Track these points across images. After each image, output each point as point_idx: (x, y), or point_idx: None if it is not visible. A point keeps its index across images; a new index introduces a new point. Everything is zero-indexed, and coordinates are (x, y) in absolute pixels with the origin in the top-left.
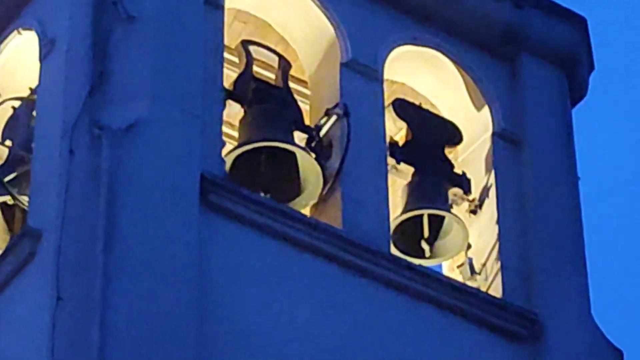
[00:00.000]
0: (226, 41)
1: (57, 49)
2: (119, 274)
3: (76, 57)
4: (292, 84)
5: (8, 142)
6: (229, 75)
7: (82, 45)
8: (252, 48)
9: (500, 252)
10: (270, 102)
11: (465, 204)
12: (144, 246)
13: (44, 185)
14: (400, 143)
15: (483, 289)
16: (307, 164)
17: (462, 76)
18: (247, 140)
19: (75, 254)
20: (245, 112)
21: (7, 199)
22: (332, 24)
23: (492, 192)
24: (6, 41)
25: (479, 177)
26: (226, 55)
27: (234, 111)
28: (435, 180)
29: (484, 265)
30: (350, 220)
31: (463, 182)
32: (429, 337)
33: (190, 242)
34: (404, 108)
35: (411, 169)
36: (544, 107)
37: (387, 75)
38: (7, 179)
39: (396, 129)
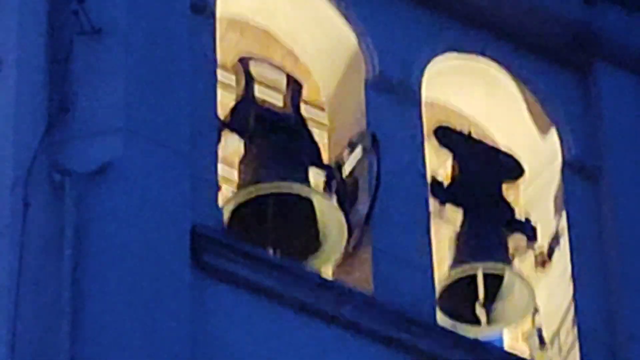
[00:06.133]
0: (219, 58)
1: (3, 74)
2: None
3: (28, 82)
4: (304, 110)
5: None
6: (224, 101)
7: (35, 67)
8: (252, 65)
9: (576, 316)
10: (277, 134)
11: (531, 256)
12: (121, 324)
13: None
14: (445, 180)
15: None
16: (326, 211)
17: (522, 92)
18: (250, 183)
19: (34, 339)
20: (246, 147)
21: None
22: (353, 31)
23: (564, 240)
24: None
25: (547, 220)
26: (219, 75)
27: (232, 146)
28: (491, 226)
29: (556, 333)
30: (384, 281)
31: (526, 228)
32: None
33: (180, 314)
34: (448, 136)
35: (460, 213)
36: (627, 129)
37: (425, 94)
38: None
39: (439, 163)
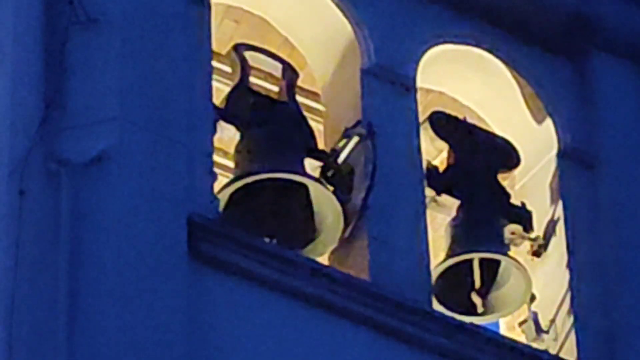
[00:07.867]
0: (214, 46)
1: None
2: (89, 356)
3: (24, 72)
4: (300, 98)
5: None
6: (220, 90)
7: (31, 57)
8: (247, 54)
9: (572, 304)
10: (273, 123)
11: (527, 244)
12: (118, 315)
13: None
14: (441, 169)
15: (552, 351)
16: (322, 199)
17: (517, 81)
18: (246, 172)
19: (31, 328)
20: (241, 136)
21: None
22: (349, 20)
23: (561, 228)
24: None
25: (543, 209)
26: (215, 63)
27: (227, 135)
28: (487, 215)
29: (552, 321)
30: (380, 269)
31: (522, 217)
32: None
33: (177, 303)
34: (444, 124)
35: (455, 202)
36: (622, 117)
37: (421, 83)
38: None
39: (435, 151)
